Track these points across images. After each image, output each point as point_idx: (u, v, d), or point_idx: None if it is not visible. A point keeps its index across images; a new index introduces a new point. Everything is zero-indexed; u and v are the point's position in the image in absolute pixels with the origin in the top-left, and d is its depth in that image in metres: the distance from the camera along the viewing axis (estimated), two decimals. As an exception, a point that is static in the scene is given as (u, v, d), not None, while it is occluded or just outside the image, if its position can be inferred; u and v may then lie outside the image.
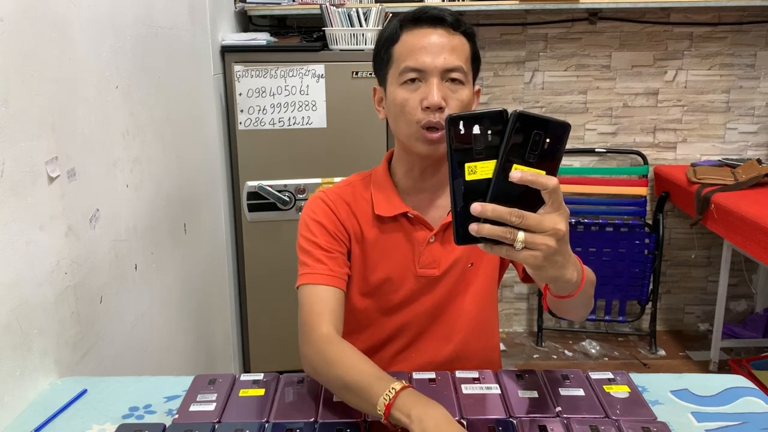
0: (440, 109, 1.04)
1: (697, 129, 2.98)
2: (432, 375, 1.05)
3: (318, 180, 2.32)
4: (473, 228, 0.74)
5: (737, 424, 0.94)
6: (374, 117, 1.20)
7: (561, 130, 0.73)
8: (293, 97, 2.26)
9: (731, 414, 0.97)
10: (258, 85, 2.24)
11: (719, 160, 2.85)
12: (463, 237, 0.75)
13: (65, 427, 0.95)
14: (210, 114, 2.16)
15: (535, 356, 2.96)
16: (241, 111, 2.26)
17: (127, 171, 1.46)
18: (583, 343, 3.01)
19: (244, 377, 1.05)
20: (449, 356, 1.18)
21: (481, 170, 0.74)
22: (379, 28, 2.29)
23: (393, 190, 1.16)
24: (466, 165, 0.74)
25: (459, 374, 1.05)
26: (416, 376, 1.05)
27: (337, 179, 2.17)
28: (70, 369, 1.18)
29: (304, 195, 2.32)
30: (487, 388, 1.01)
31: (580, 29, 2.88)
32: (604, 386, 1.02)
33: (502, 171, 0.73)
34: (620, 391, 1.00)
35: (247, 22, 2.68)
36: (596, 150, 2.97)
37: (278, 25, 2.76)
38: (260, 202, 2.32)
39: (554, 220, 0.74)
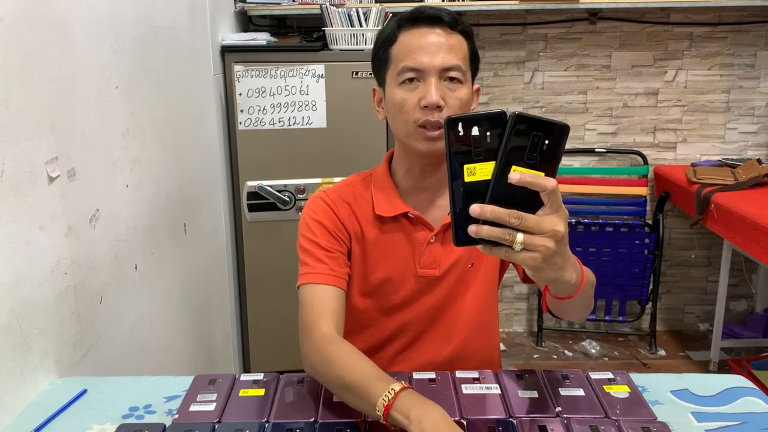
0: (439, 108, 1.04)
1: (697, 129, 2.98)
2: (432, 375, 1.05)
3: (318, 180, 2.32)
4: (472, 229, 0.74)
5: (737, 424, 0.94)
6: (374, 117, 1.20)
7: (560, 131, 0.73)
8: (293, 97, 2.26)
9: (731, 414, 0.97)
10: (258, 85, 2.24)
11: (719, 160, 2.85)
12: (463, 239, 0.75)
13: (65, 427, 0.95)
14: (210, 114, 2.16)
15: (535, 356, 2.96)
16: (241, 111, 2.26)
17: (127, 171, 1.46)
18: (583, 343, 3.01)
19: (244, 377, 1.05)
20: (449, 356, 1.18)
21: (480, 172, 0.74)
22: (379, 28, 2.29)
23: (393, 190, 1.16)
24: (465, 167, 0.74)
25: (459, 374, 1.05)
26: (416, 376, 1.05)
27: (337, 179, 2.17)
28: (70, 369, 1.18)
29: (304, 195, 2.32)
30: (487, 388, 1.01)
31: (580, 29, 2.88)
32: (604, 386, 1.02)
33: (501, 172, 0.73)
34: (620, 391, 1.00)
35: (247, 22, 2.68)
36: (596, 150, 2.97)
37: (278, 25, 2.76)
38: (260, 202, 2.32)
39: (553, 221, 0.74)
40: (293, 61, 2.25)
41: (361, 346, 1.06)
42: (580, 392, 1.00)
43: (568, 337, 3.10)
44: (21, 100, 1.04)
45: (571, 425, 0.91)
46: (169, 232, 1.73)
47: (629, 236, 2.86)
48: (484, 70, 2.89)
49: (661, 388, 1.04)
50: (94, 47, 1.31)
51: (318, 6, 2.43)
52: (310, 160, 2.31)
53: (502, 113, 0.73)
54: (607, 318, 3.02)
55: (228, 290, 2.35)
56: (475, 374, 1.05)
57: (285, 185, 2.32)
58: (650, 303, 2.97)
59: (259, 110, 2.26)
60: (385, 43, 1.11)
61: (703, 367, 2.80)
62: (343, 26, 2.33)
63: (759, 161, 2.61)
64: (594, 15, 2.81)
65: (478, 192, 0.74)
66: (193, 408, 0.96)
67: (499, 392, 1.00)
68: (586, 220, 2.85)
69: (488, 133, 0.73)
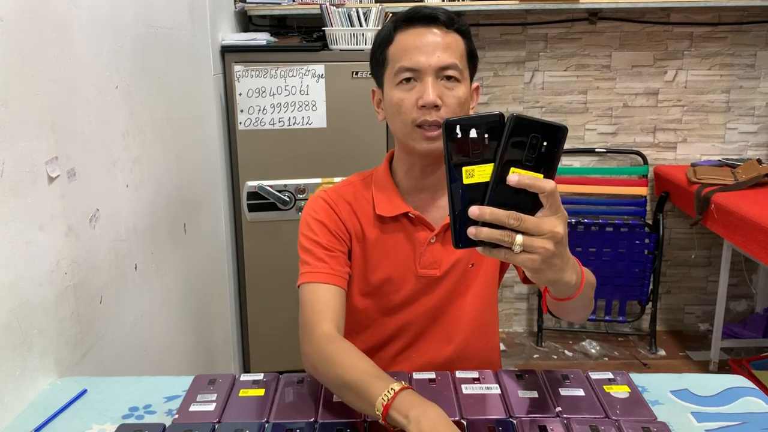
0: (436, 107, 1.04)
1: (697, 129, 2.98)
2: (432, 375, 1.05)
3: (318, 180, 2.32)
4: (471, 231, 0.74)
5: (737, 424, 0.94)
6: (374, 117, 1.21)
7: (558, 133, 0.73)
8: (293, 97, 2.26)
9: (731, 414, 0.97)
10: (258, 85, 2.24)
11: (719, 160, 2.85)
12: (462, 241, 0.75)
13: (65, 427, 0.95)
14: (210, 114, 2.16)
15: (535, 356, 2.96)
16: (241, 111, 2.26)
17: (127, 171, 1.46)
18: (583, 343, 3.01)
19: (244, 377, 1.05)
20: (449, 357, 1.18)
21: (478, 174, 0.74)
22: (379, 27, 2.29)
23: (394, 190, 1.16)
24: (464, 169, 0.74)
25: (459, 374, 1.05)
26: (416, 376, 1.05)
27: (337, 179, 2.17)
28: (70, 369, 1.18)
29: (304, 195, 2.32)
30: (487, 388, 1.01)
31: (580, 29, 2.88)
32: (604, 386, 1.02)
33: (500, 174, 0.73)
34: (620, 391, 1.00)
35: (247, 22, 2.68)
36: (596, 150, 2.97)
37: (278, 25, 2.76)
38: (260, 202, 2.32)
39: (552, 223, 0.74)
40: (293, 61, 2.25)
41: (361, 346, 1.05)
42: (580, 392, 1.00)
43: (568, 337, 3.10)
44: (21, 100, 1.04)
45: (571, 425, 0.91)
46: (169, 232, 1.73)
47: (629, 236, 2.86)
48: (484, 70, 2.89)
49: (661, 388, 1.04)
50: (94, 47, 1.31)
51: (318, 6, 2.43)
52: (310, 160, 2.31)
53: (500, 115, 0.73)
54: (607, 318, 3.02)
55: (228, 290, 2.35)
56: (475, 374, 1.05)
57: (285, 185, 2.32)
58: (650, 303, 2.97)
59: (259, 110, 2.26)
60: (382, 44, 1.11)
61: (703, 367, 2.80)
62: (343, 26, 2.33)
63: (759, 161, 2.61)
64: (594, 15, 2.81)
65: (477, 194, 0.74)
66: (193, 408, 0.96)
67: (499, 392, 1.00)
68: (586, 220, 2.85)
69: (486, 136, 0.73)
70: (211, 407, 0.96)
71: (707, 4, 2.60)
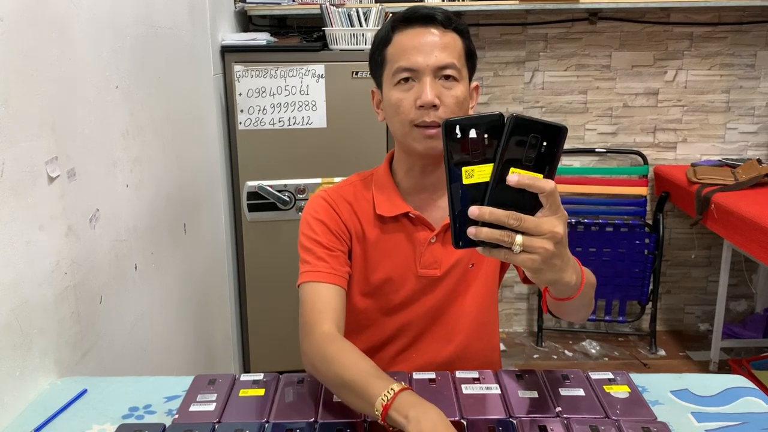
0: (434, 107, 1.04)
1: (697, 129, 2.98)
2: (432, 375, 1.05)
3: (318, 180, 2.32)
4: (471, 231, 0.74)
5: (737, 424, 0.94)
6: (374, 117, 1.21)
7: (558, 133, 0.73)
8: (293, 97, 2.26)
9: (731, 414, 0.97)
10: (258, 85, 2.24)
11: (719, 160, 2.85)
12: (462, 241, 0.75)
13: (65, 427, 0.95)
14: (210, 114, 2.16)
15: (535, 356, 2.96)
16: (241, 111, 2.26)
17: (127, 171, 1.46)
18: (583, 343, 3.01)
19: (244, 377, 1.05)
20: (449, 357, 1.18)
21: (478, 174, 0.74)
22: (379, 27, 2.29)
23: (394, 190, 1.16)
24: (464, 169, 0.74)
25: (459, 374, 1.05)
26: (416, 376, 1.05)
27: (337, 179, 2.17)
28: (70, 369, 1.18)
29: (304, 195, 2.32)
30: (487, 388, 1.01)
31: (580, 29, 2.88)
32: (604, 386, 1.02)
33: (500, 175, 0.73)
34: (620, 391, 1.00)
35: (247, 22, 2.68)
36: (596, 150, 2.97)
37: (278, 25, 2.76)
38: (260, 202, 2.32)
39: (552, 223, 0.74)
40: (293, 61, 2.25)
41: (361, 346, 1.05)
42: (580, 392, 1.00)
43: (568, 337, 3.10)
44: (21, 100, 1.04)
45: (571, 425, 0.91)
46: (169, 232, 1.73)
47: (629, 236, 2.86)
48: (484, 70, 2.89)
49: (661, 388, 1.04)
50: (94, 47, 1.31)
51: (318, 6, 2.43)
52: (310, 160, 2.31)
53: (500, 115, 0.73)
54: (607, 318, 3.02)
55: (228, 290, 2.35)
56: (475, 374, 1.05)
57: (285, 185, 2.32)
58: (650, 303, 2.97)
59: (259, 110, 2.26)
60: (380, 44, 1.12)
61: (703, 367, 2.80)
62: (343, 26, 2.33)
63: (759, 161, 2.61)
64: (594, 15, 2.81)
65: (477, 194, 0.74)
66: (193, 408, 0.96)
67: (499, 392, 1.00)
68: (586, 220, 2.85)
69: (486, 136, 0.73)
70: (211, 407, 0.96)
71: (707, 4, 2.60)
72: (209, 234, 2.13)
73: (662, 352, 2.96)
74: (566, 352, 2.98)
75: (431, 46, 1.05)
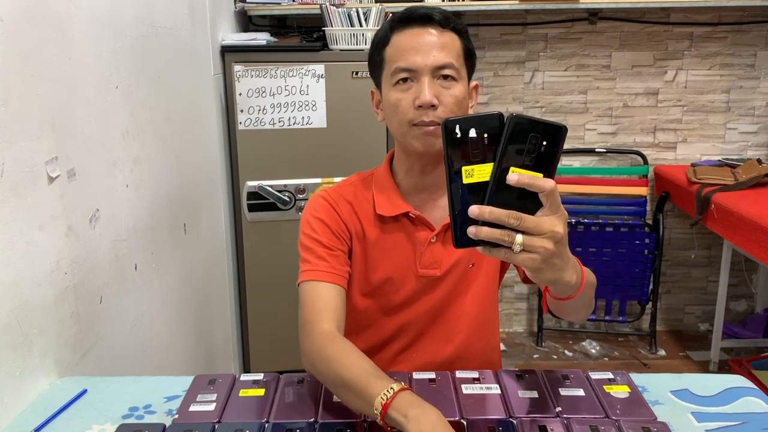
0: (433, 107, 1.04)
1: (697, 129, 2.98)
2: (432, 375, 1.05)
3: (318, 180, 2.32)
4: (471, 231, 0.74)
5: (737, 424, 0.94)
6: (374, 117, 1.21)
7: (557, 132, 0.73)
8: (293, 97, 2.26)
9: (731, 414, 0.97)
10: (258, 85, 2.24)
11: (719, 160, 2.85)
12: (462, 240, 0.75)
13: (65, 427, 0.95)
14: (210, 114, 2.16)
15: (535, 356, 2.96)
16: (241, 111, 2.26)
17: (127, 171, 1.46)
18: (583, 343, 3.01)
19: (244, 377, 1.05)
20: (450, 357, 1.18)
21: (478, 174, 0.74)
22: (379, 28, 2.29)
23: (395, 189, 1.16)
24: (463, 169, 0.74)
25: (459, 374, 1.05)
26: (416, 376, 1.05)
27: (337, 179, 2.17)
28: (70, 369, 1.18)
29: (304, 195, 2.32)
30: (487, 388, 1.01)
31: (580, 29, 2.88)
32: (604, 386, 1.02)
33: (500, 174, 0.73)
34: (620, 391, 1.00)
35: (247, 22, 2.68)
36: (596, 150, 2.97)
37: (278, 25, 2.76)
38: (260, 202, 2.32)
39: (552, 222, 0.74)
40: (293, 61, 2.25)
41: (361, 346, 1.05)
42: (580, 392, 1.00)
43: (568, 337, 3.10)
44: (21, 100, 1.04)
45: (571, 425, 0.91)
46: (169, 232, 1.73)
47: (629, 236, 2.86)
48: (484, 70, 2.89)
49: (661, 388, 1.04)
50: (94, 47, 1.31)
51: (318, 6, 2.43)
52: (310, 160, 2.31)
53: (500, 115, 0.73)
54: (607, 318, 3.02)
55: (228, 290, 2.35)
56: (475, 374, 1.05)
57: (285, 185, 2.32)
58: (650, 303, 2.97)
59: (259, 110, 2.26)
60: (379, 45, 1.12)
61: (703, 367, 2.80)
62: (343, 26, 2.33)
63: (759, 161, 2.61)
64: (594, 15, 2.81)
65: (477, 194, 0.74)
66: (193, 408, 0.96)
67: (499, 392, 1.00)
68: (586, 220, 2.85)
69: (486, 135, 0.73)
70: (211, 407, 0.96)
71: (707, 4, 2.60)
72: (209, 234, 2.13)
73: (662, 352, 2.96)
74: (566, 352, 2.98)
75: (429, 46, 1.05)
